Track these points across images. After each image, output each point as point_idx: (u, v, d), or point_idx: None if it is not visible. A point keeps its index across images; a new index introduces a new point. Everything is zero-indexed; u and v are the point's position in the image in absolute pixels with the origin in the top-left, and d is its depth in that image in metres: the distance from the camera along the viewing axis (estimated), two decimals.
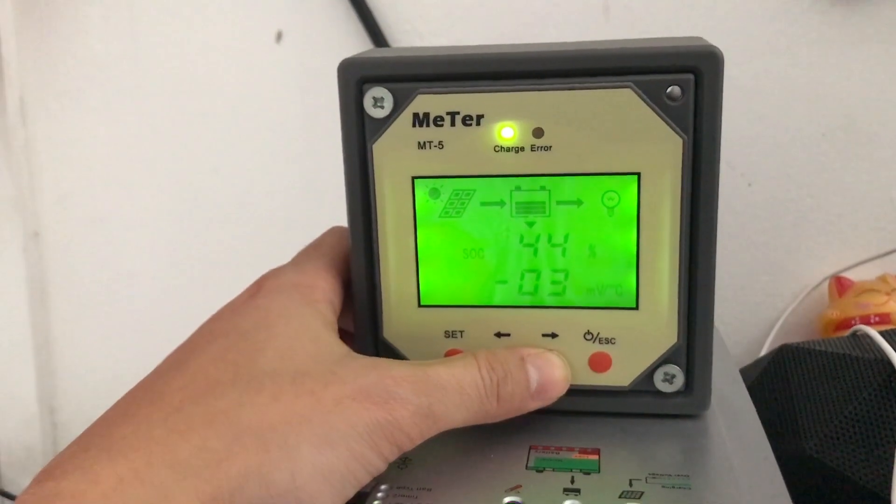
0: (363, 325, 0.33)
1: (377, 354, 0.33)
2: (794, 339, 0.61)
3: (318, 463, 0.25)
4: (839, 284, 0.60)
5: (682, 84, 0.29)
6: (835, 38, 0.57)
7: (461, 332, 0.32)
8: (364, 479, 0.26)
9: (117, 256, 0.67)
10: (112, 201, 0.66)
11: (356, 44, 0.61)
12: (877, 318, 0.56)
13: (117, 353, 0.67)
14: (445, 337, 0.32)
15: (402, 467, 0.29)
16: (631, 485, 0.28)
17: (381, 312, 0.33)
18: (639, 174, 0.30)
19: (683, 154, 0.29)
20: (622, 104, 0.29)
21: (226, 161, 0.65)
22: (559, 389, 0.31)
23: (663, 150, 0.29)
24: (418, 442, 0.27)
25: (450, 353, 0.32)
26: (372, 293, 0.32)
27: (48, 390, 0.68)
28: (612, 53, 0.29)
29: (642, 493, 0.27)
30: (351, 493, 0.26)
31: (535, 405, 0.30)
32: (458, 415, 0.28)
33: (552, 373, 0.30)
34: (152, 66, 0.64)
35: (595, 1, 0.59)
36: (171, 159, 0.65)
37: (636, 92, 0.29)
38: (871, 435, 0.36)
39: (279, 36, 0.62)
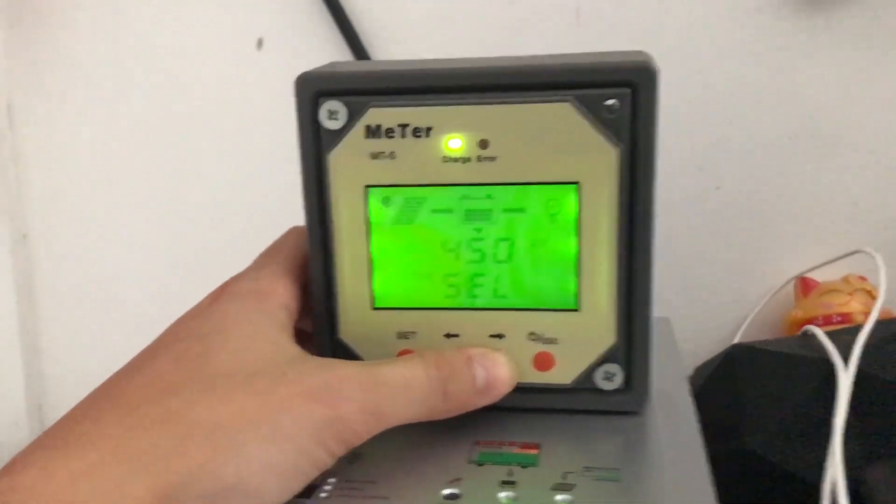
0: (320, 326, 0.34)
1: (333, 354, 0.35)
2: (761, 337, 0.62)
3: (265, 458, 0.26)
4: (804, 285, 0.61)
5: (619, 98, 0.31)
6: (801, 44, 0.59)
7: (413, 333, 0.34)
8: (312, 473, 0.28)
9: (105, 257, 0.68)
10: (99, 203, 0.68)
11: (335, 50, 0.62)
12: (839, 318, 0.58)
13: (105, 352, 0.69)
14: (398, 338, 0.34)
15: (353, 461, 0.31)
16: (565, 477, 0.29)
17: (338, 314, 0.34)
18: (578, 183, 0.31)
19: (620, 164, 0.31)
20: (562, 117, 0.31)
21: (210, 163, 0.66)
22: (505, 387, 0.32)
23: (601, 160, 0.31)
24: (366, 438, 0.29)
25: (402, 353, 0.34)
26: (328, 296, 0.34)
27: (36, 390, 0.70)
28: (552, 69, 0.31)
29: (574, 485, 0.29)
30: (298, 487, 0.28)
31: (481, 402, 0.32)
32: (404, 411, 0.30)
33: (498, 372, 0.32)
34: (137, 71, 0.65)
35: (568, 7, 0.60)
36: (157, 162, 0.66)
37: (575, 105, 0.31)
38: (811, 431, 0.38)
39: (260, 42, 0.64)
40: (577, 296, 0.33)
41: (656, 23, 0.59)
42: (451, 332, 0.34)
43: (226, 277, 0.36)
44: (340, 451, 0.29)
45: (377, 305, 0.34)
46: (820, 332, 0.42)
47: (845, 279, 0.61)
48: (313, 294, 0.34)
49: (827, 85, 0.59)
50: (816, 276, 0.62)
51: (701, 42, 0.59)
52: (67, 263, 0.69)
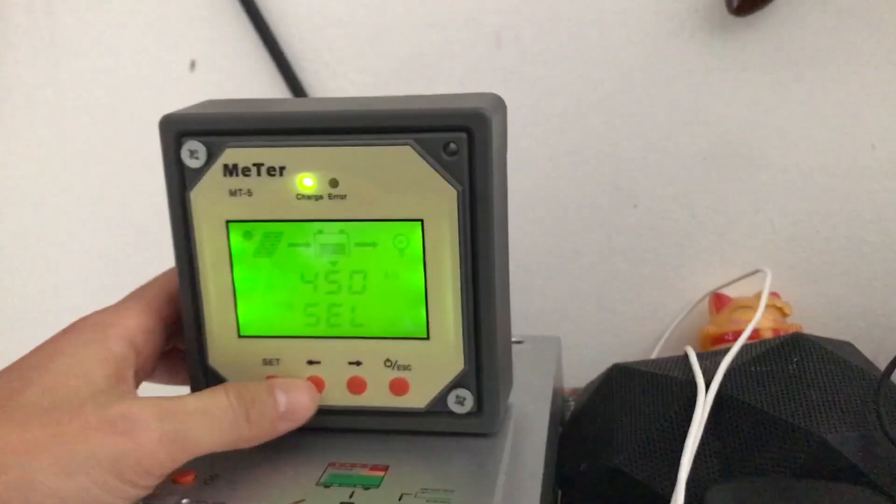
0: (192, 354, 0.36)
1: (205, 380, 0.36)
2: (678, 352, 0.64)
3: (55, 488, 0.28)
4: (717, 300, 0.63)
5: (457, 141, 0.32)
6: (715, 67, 0.60)
7: (277, 359, 0.36)
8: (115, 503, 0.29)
9: (46, 272, 0.70)
10: (39, 220, 0.69)
11: (264, 73, 0.64)
12: None
13: None
14: (263, 364, 0.36)
15: (209, 482, 0.33)
16: (400, 499, 0.31)
17: (206, 342, 0.36)
18: (422, 220, 0.33)
19: (459, 203, 0.33)
20: (404, 159, 0.33)
21: (146, 182, 0.68)
22: (307, 411, 0.34)
23: (441, 199, 0.33)
24: (172, 467, 0.30)
25: (269, 379, 0.36)
26: (198, 324, 0.36)
27: None
28: (394, 113, 0.33)
29: None
30: None
31: (286, 426, 0.34)
32: (208, 438, 0.31)
33: (299, 396, 0.34)
34: (74, 93, 0.67)
35: (487, 32, 0.62)
36: (95, 180, 0.68)
37: (415, 148, 0.32)
38: (674, 450, 0.40)
39: (193, 65, 0.66)
40: (427, 325, 0.34)
41: (573, 47, 0.61)
42: (313, 359, 0.36)
43: None
44: (145, 481, 0.30)
45: (242, 333, 0.36)
46: (692, 353, 0.43)
47: (757, 295, 0.62)
48: (184, 323, 0.36)
49: (739, 106, 0.61)
50: (730, 291, 0.63)
51: (617, 65, 0.61)
52: (10, 279, 0.71)
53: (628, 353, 0.66)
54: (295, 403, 0.34)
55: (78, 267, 0.70)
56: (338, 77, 0.64)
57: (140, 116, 0.67)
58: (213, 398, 0.32)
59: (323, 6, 0.63)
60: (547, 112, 0.63)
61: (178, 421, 0.30)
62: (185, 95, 0.66)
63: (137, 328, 0.34)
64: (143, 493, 0.30)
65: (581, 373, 0.60)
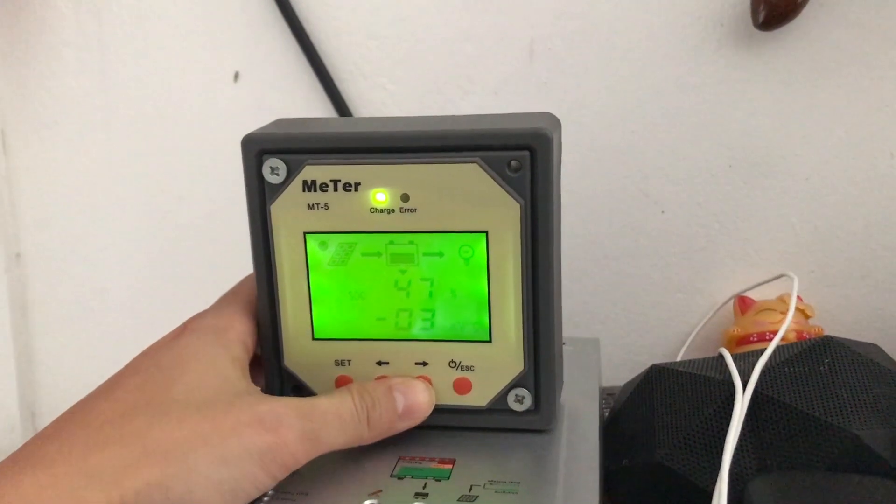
0: (268, 355, 0.39)
1: (280, 380, 0.39)
2: (704, 353, 0.67)
3: (213, 477, 0.30)
4: (742, 303, 0.66)
5: (520, 159, 0.35)
6: (739, 78, 0.63)
7: (349, 360, 0.39)
8: (253, 494, 0.32)
9: (92, 274, 0.73)
10: (86, 224, 0.72)
11: (305, 84, 0.67)
12: (771, 335, 0.62)
13: (92, 362, 0.74)
14: (336, 365, 0.39)
15: (291, 475, 0.35)
16: (471, 490, 0.34)
17: (282, 344, 0.39)
18: (487, 232, 0.36)
19: (522, 216, 0.36)
20: (471, 175, 0.35)
21: (189, 188, 0.71)
22: (424, 411, 0.37)
23: (506, 213, 0.36)
24: (303, 462, 0.33)
25: (339, 379, 0.39)
26: (274, 328, 0.39)
27: (29, 398, 0.75)
28: (462, 133, 0.35)
29: (477, 496, 0.33)
30: None
31: (403, 426, 0.36)
32: (338, 438, 0.34)
33: (416, 397, 0.37)
34: (122, 102, 0.70)
35: (521, 44, 0.65)
36: (140, 186, 0.71)
37: (482, 166, 0.35)
38: (712, 446, 0.42)
39: (237, 76, 0.68)
40: (489, 329, 0.37)
41: (604, 60, 0.64)
42: (382, 360, 0.38)
43: (202, 293, 0.41)
44: (281, 474, 0.33)
45: (317, 336, 0.38)
46: (727, 355, 0.46)
47: (780, 298, 0.65)
48: (261, 327, 0.39)
49: (762, 116, 0.64)
50: (754, 294, 0.66)
51: (646, 77, 0.64)
52: (58, 280, 0.73)
53: (655, 354, 0.69)
54: (412, 404, 0.36)
55: (121, 270, 0.73)
56: (375, 88, 0.67)
57: (186, 126, 0.70)
58: (341, 401, 0.34)
59: (361, 20, 0.65)
60: (578, 122, 0.65)
61: (314, 421, 0.33)
62: (230, 106, 0.69)
63: (246, 331, 0.37)
64: (273, 484, 0.33)
65: (610, 373, 0.63)
